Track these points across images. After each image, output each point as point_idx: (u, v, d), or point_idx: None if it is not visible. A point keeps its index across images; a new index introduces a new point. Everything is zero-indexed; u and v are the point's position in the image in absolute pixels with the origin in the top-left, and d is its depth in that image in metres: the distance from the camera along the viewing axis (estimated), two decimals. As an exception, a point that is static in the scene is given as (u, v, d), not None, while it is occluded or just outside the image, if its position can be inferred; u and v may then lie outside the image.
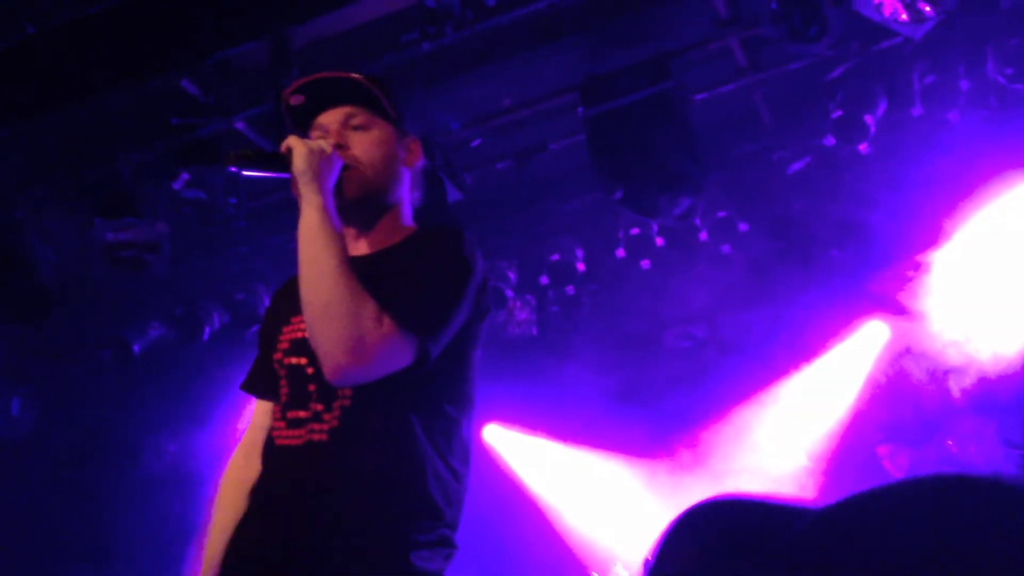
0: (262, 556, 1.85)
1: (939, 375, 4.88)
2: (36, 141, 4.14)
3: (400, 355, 1.79)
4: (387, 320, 1.76)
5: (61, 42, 3.64)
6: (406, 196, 2.10)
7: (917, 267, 4.93)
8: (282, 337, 1.98)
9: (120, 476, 5.25)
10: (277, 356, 1.97)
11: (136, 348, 4.94)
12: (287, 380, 1.94)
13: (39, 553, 4.93)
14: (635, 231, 5.11)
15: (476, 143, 4.62)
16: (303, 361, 1.91)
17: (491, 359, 5.65)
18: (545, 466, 5.68)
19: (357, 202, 1.94)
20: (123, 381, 5.11)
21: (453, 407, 1.94)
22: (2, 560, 4.78)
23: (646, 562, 0.85)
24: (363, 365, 1.75)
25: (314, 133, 1.99)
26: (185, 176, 3.52)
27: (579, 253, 5.22)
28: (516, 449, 5.72)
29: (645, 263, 5.20)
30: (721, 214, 4.97)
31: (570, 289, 5.31)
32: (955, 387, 4.82)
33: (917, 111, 4.31)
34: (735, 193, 4.97)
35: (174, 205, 3.90)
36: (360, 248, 1.99)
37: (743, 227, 5.02)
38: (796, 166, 4.77)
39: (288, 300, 2.02)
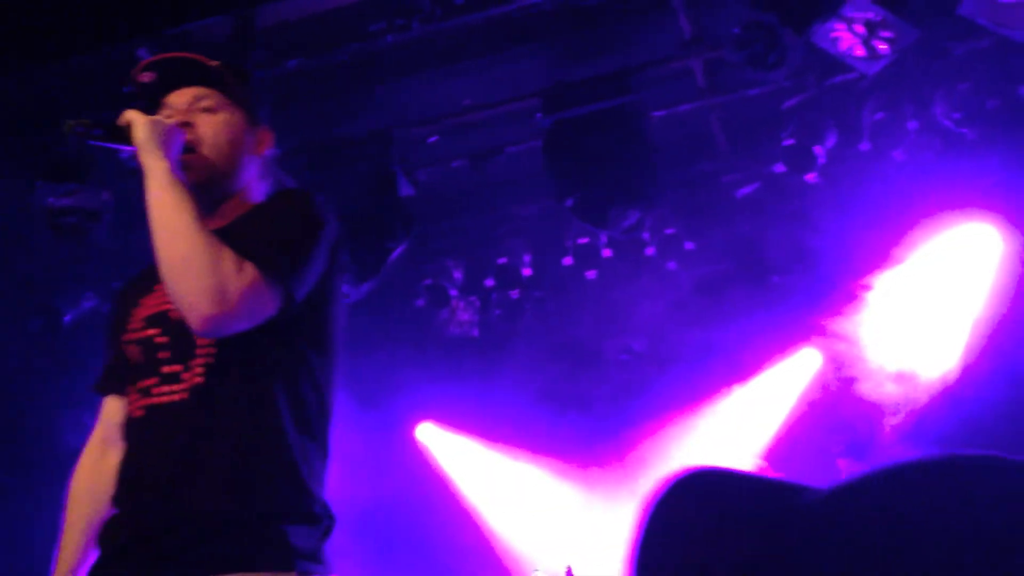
0: (129, 537, 1.83)
1: (871, 404, 5.01)
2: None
3: (265, 300, 1.81)
4: (248, 266, 1.79)
5: (19, 7, 3.54)
6: (253, 182, 2.08)
7: (856, 296, 5.06)
8: (131, 320, 1.98)
9: (39, 448, 5.11)
10: (128, 336, 1.96)
11: (67, 318, 4.82)
12: (140, 353, 1.93)
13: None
14: (584, 240, 5.15)
15: (433, 140, 4.62)
16: (156, 331, 1.91)
17: (430, 357, 5.67)
18: (475, 468, 5.68)
19: (200, 186, 1.92)
20: (52, 351, 4.99)
21: (318, 358, 1.95)
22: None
23: (633, 540, 0.82)
24: (228, 313, 1.76)
25: (162, 112, 1.98)
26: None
27: (526, 258, 5.24)
28: (448, 449, 5.72)
29: (591, 273, 5.24)
30: (669, 231, 5.04)
31: (514, 293, 5.33)
32: (886, 417, 4.96)
33: (865, 146, 4.43)
34: (685, 211, 5.04)
35: (121, 175, 3.82)
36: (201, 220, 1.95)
37: (689, 245, 5.09)
38: (745, 190, 4.87)
39: (136, 288, 2.05)
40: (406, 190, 4.67)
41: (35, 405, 5.18)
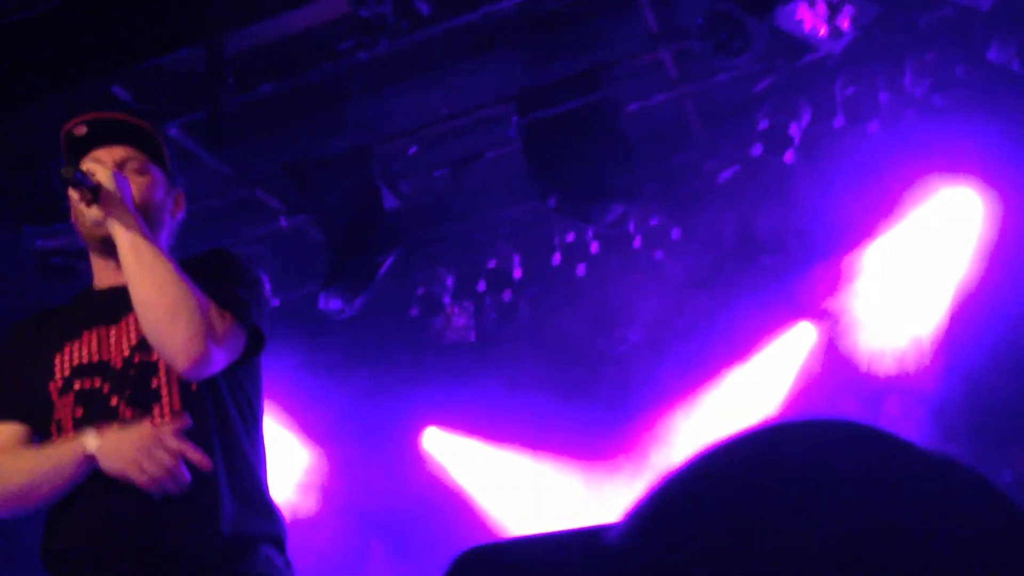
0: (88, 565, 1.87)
1: (864, 376, 5.05)
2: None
3: (239, 341, 1.98)
4: (225, 312, 1.94)
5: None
6: (164, 243, 2.15)
7: (846, 270, 5.10)
8: (57, 365, 1.98)
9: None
10: (55, 384, 1.96)
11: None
12: (81, 403, 1.94)
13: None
14: (571, 238, 5.19)
15: (413, 151, 4.66)
16: (97, 383, 1.94)
17: (429, 365, 5.71)
18: (482, 469, 5.73)
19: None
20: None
21: (254, 393, 2.11)
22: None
23: None
24: (215, 352, 1.89)
25: (86, 165, 1.99)
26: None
27: (516, 259, 5.29)
28: (454, 453, 5.76)
29: (581, 269, 5.28)
30: (654, 222, 5.08)
31: (507, 295, 5.37)
32: (884, 387, 5.00)
33: (839, 122, 4.47)
34: (668, 201, 5.08)
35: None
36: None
37: (676, 234, 5.13)
38: (725, 175, 4.90)
39: (48, 331, 2.05)
40: (391, 202, 4.72)
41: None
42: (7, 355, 2.08)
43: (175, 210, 2.18)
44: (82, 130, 2.05)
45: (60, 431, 1.94)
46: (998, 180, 4.67)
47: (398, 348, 5.43)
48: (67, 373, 1.96)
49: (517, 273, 5.32)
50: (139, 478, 1.80)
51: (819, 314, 5.30)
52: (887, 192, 4.73)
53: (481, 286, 5.34)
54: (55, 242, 3.76)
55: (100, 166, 1.91)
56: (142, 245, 1.88)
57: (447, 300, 5.36)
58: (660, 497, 0.75)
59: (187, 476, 1.82)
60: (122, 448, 1.83)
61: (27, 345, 2.06)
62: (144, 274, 1.86)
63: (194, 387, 1.93)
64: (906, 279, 5.01)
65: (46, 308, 2.18)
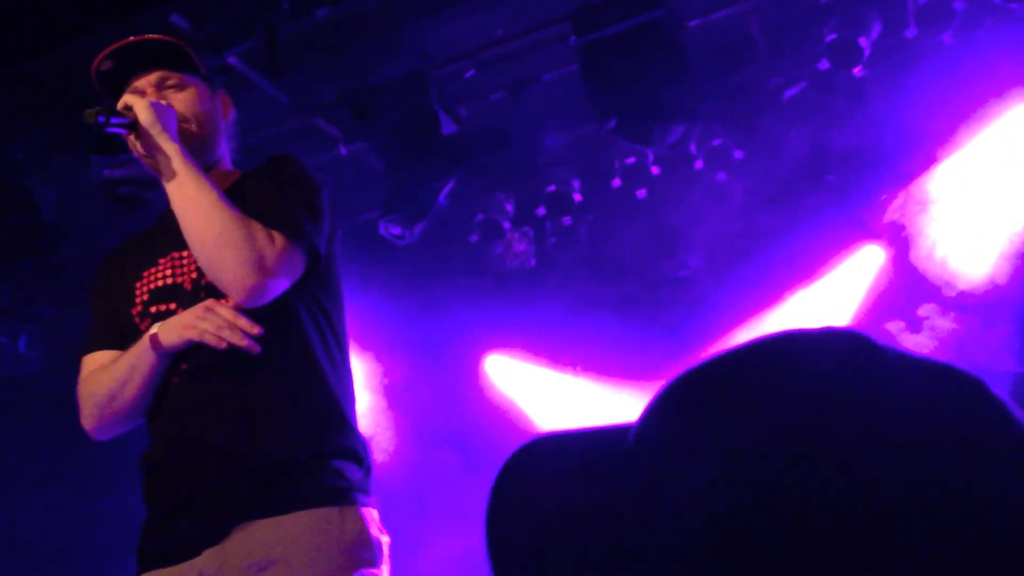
0: (185, 487, 1.91)
1: (934, 299, 4.93)
2: (32, 83, 4.15)
3: (296, 264, 1.94)
4: (276, 234, 1.90)
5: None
6: (226, 148, 2.20)
7: (913, 191, 4.94)
8: (137, 292, 2.04)
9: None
10: (136, 310, 2.02)
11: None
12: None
13: (40, 486, 5.05)
14: (630, 161, 5.11)
15: (469, 75, 4.61)
16: (172, 306, 1.99)
17: (490, 291, 5.73)
18: (546, 394, 5.77)
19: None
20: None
21: (334, 309, 2.09)
22: (4, 491, 4.90)
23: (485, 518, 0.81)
24: (270, 280, 1.88)
25: (122, 101, 2.02)
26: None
27: (575, 184, 5.24)
28: (515, 378, 5.81)
29: (641, 193, 5.22)
30: (716, 142, 4.97)
31: (567, 220, 5.34)
32: (951, 309, 4.88)
33: (911, 32, 4.28)
34: (730, 121, 4.96)
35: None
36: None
37: (739, 155, 5.02)
38: (791, 92, 4.76)
39: (129, 260, 2.11)
40: (449, 127, 4.69)
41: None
42: (100, 287, 2.17)
43: (225, 111, 2.20)
44: (108, 65, 2.07)
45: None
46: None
47: (459, 274, 5.45)
48: (145, 298, 2.02)
49: (577, 197, 5.28)
50: (196, 335, 1.85)
51: (888, 235, 5.16)
52: (962, 107, 4.54)
53: (541, 211, 5.32)
54: (122, 172, 3.83)
55: (136, 99, 1.93)
56: (185, 177, 1.88)
57: (507, 225, 5.35)
58: (668, 399, 0.76)
59: (253, 331, 1.83)
60: (179, 319, 1.90)
61: (115, 274, 2.14)
62: (188, 207, 1.88)
63: (263, 306, 1.92)
64: (981, 198, 4.84)
65: (133, 233, 2.25)
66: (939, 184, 4.86)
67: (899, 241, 5.09)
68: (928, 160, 4.82)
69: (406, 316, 5.17)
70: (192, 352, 1.93)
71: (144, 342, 1.93)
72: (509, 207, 5.33)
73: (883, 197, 5.03)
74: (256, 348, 1.85)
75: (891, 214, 5.06)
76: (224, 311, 1.85)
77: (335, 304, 2.10)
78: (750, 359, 0.74)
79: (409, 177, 4.61)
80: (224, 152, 2.20)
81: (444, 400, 5.54)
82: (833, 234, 5.16)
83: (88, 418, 2.05)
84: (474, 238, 5.35)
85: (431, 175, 4.64)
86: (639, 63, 4.23)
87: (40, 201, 4.41)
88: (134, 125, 1.90)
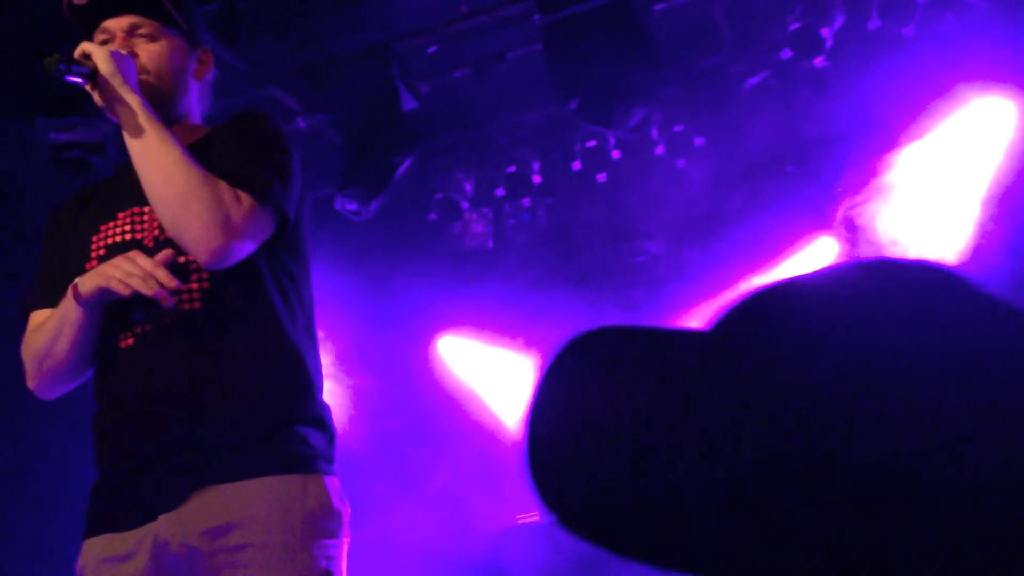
0: (141, 452, 1.84)
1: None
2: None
3: (263, 226, 1.87)
4: (243, 194, 1.83)
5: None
6: (194, 106, 2.11)
7: (872, 182, 4.99)
8: (93, 247, 1.97)
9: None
10: (91, 265, 1.95)
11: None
12: None
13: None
14: (591, 144, 5.09)
15: (432, 50, 4.55)
16: None
17: (447, 271, 5.68)
18: (498, 376, 5.75)
19: None
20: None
21: (300, 273, 2.02)
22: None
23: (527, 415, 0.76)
24: (235, 242, 1.81)
25: (98, 37, 1.96)
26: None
27: (536, 165, 5.20)
28: (470, 360, 5.78)
29: (602, 176, 5.20)
30: (678, 128, 4.97)
31: (526, 202, 5.31)
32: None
33: (874, 24, 4.30)
34: (692, 107, 4.96)
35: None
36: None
37: (699, 141, 5.02)
38: (753, 80, 4.77)
39: (89, 211, 2.03)
40: (409, 103, 4.63)
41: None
42: (53, 239, 2.07)
43: (201, 70, 2.10)
44: (81, 0, 1.98)
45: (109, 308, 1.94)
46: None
47: (415, 253, 5.40)
48: (102, 254, 1.94)
49: (537, 179, 5.25)
50: (103, 282, 1.79)
51: (844, 226, 5.20)
52: (922, 99, 4.58)
53: (500, 192, 5.28)
54: (69, 135, 3.72)
55: (95, 47, 1.84)
56: (147, 131, 1.80)
57: (465, 206, 5.31)
58: (742, 312, 0.73)
59: (170, 284, 1.76)
60: (96, 268, 1.83)
61: (69, 227, 2.05)
62: (150, 163, 1.80)
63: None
64: (938, 191, 4.89)
65: (88, 185, 2.16)
66: (897, 175, 4.91)
67: (854, 232, 5.13)
68: (887, 152, 4.86)
69: (359, 293, 5.11)
70: (151, 313, 1.87)
71: (69, 294, 1.86)
72: (468, 187, 5.28)
73: (841, 188, 5.07)
74: (169, 302, 1.77)
75: (848, 205, 5.10)
76: (143, 260, 1.78)
77: (302, 270, 2.04)
78: (845, 279, 0.71)
79: (367, 152, 4.54)
80: (191, 110, 2.10)
81: (395, 380, 5.49)
82: (791, 223, 5.19)
83: (29, 377, 1.98)
84: (432, 217, 5.30)
85: (390, 151, 4.57)
86: (603, 45, 4.20)
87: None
88: (93, 75, 1.82)
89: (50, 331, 1.90)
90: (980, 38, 4.20)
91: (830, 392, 0.64)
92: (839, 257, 5.25)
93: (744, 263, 5.33)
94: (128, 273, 1.76)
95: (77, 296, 1.84)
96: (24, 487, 4.69)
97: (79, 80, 1.84)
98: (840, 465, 0.62)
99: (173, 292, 1.79)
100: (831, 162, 4.90)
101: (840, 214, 5.12)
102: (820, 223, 5.27)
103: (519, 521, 5.22)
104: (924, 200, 4.90)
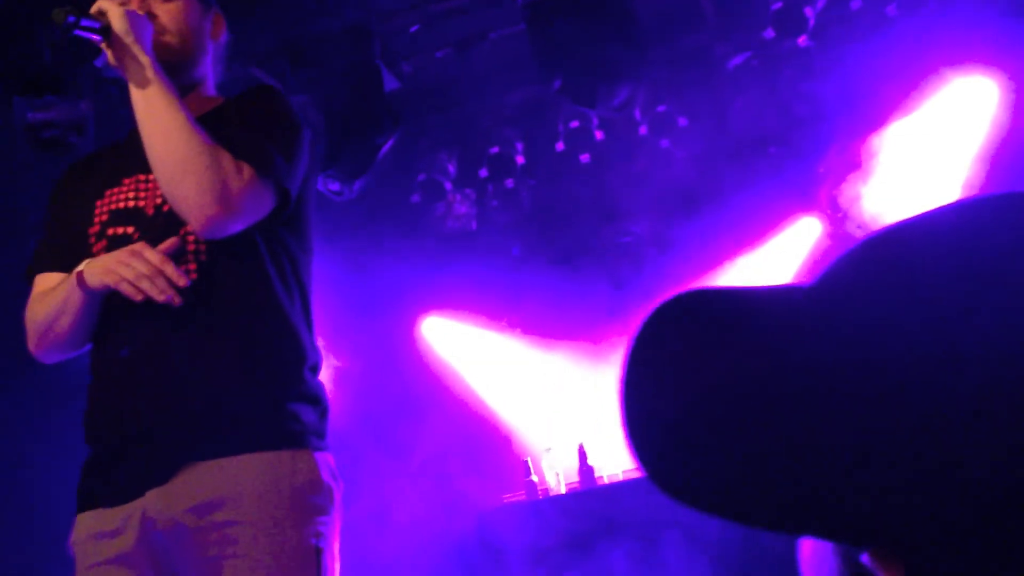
0: (129, 426, 1.83)
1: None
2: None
3: (263, 200, 1.84)
4: (244, 166, 1.80)
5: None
6: (210, 70, 2.08)
7: (856, 162, 5.00)
8: (97, 211, 1.95)
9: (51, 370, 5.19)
10: (93, 230, 1.93)
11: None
12: (112, 250, 1.89)
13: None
14: (575, 124, 5.08)
15: (414, 29, 4.51)
16: (129, 230, 1.90)
17: (430, 253, 5.68)
18: (483, 356, 5.76)
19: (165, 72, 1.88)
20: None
21: (301, 252, 2.00)
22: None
23: (622, 372, 0.73)
24: (232, 213, 1.78)
25: (96, 5, 1.89)
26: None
27: (519, 146, 5.19)
28: (455, 340, 5.78)
29: (585, 157, 5.19)
30: (661, 108, 4.96)
31: (510, 183, 5.29)
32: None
33: (856, 3, 4.31)
34: (675, 88, 4.95)
35: (98, 84, 3.77)
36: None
37: (683, 122, 5.02)
38: (736, 60, 4.76)
39: (92, 175, 2.01)
40: (391, 83, 4.59)
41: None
42: (59, 201, 2.06)
43: (215, 31, 2.08)
44: None
45: None
46: (1017, 69, 4.53)
47: (398, 234, 5.38)
48: (104, 219, 1.93)
49: (520, 160, 5.23)
50: (112, 282, 1.77)
51: (826, 206, 5.22)
52: (904, 79, 4.60)
53: (483, 173, 5.26)
54: (46, 114, 3.67)
55: (112, 4, 1.80)
56: (154, 93, 1.77)
57: (449, 186, 5.29)
58: (853, 260, 0.71)
59: (180, 282, 1.75)
60: (103, 261, 1.81)
61: (76, 189, 2.03)
62: (153, 125, 1.77)
63: (223, 241, 1.83)
64: (920, 171, 4.92)
65: (100, 148, 2.13)
66: (881, 155, 4.92)
67: (837, 212, 5.15)
68: (870, 131, 4.88)
69: (343, 274, 5.08)
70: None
71: (73, 278, 1.84)
72: (451, 168, 5.26)
73: (824, 168, 5.08)
74: (178, 301, 1.76)
75: (830, 185, 5.12)
76: (152, 255, 1.76)
77: (303, 249, 2.01)
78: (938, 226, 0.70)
79: (350, 133, 4.51)
80: (208, 73, 2.07)
81: (380, 360, 5.48)
82: (774, 203, 5.21)
83: (31, 343, 1.95)
84: (415, 198, 5.28)
85: (372, 132, 4.54)
86: (586, 24, 4.18)
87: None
88: (106, 31, 1.79)
89: (52, 308, 1.88)
90: (962, 17, 4.21)
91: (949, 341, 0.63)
92: (822, 237, 5.28)
93: (728, 243, 5.35)
94: (139, 275, 1.74)
95: (82, 284, 1.82)
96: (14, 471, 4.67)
97: (89, 35, 1.80)
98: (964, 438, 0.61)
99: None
100: (815, 142, 4.91)
101: (824, 194, 5.14)
102: (804, 203, 5.29)
103: (506, 500, 5.24)
104: (908, 179, 4.93)
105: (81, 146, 3.74)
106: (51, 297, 1.90)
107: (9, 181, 4.43)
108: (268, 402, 1.84)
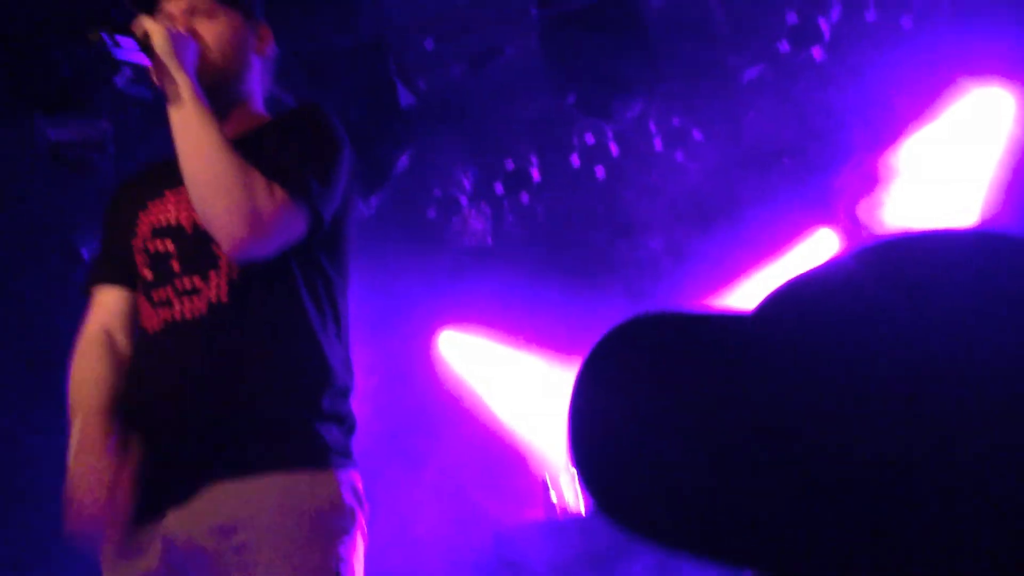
0: (154, 442, 1.82)
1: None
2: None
3: (295, 224, 1.82)
4: (277, 188, 1.78)
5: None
6: (258, 85, 2.09)
7: (871, 175, 4.98)
8: (140, 223, 1.96)
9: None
10: (136, 242, 1.95)
11: (85, 253, 4.87)
12: (149, 264, 1.92)
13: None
14: (590, 138, 5.09)
15: (429, 46, 4.54)
16: (168, 245, 1.91)
17: (446, 269, 5.69)
18: (500, 372, 5.75)
19: (208, 90, 1.89)
20: (70, 288, 5.05)
21: (336, 275, 1.97)
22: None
23: (571, 397, 0.73)
24: (262, 236, 1.77)
25: (139, 25, 1.92)
26: (128, 73, 3.41)
27: (534, 160, 5.20)
28: (471, 356, 5.77)
29: (600, 171, 5.20)
30: (675, 122, 4.96)
31: (525, 198, 5.30)
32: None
33: (871, 16, 4.30)
34: (689, 101, 4.95)
35: (118, 103, 3.81)
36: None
37: (697, 135, 5.02)
38: (751, 73, 4.76)
39: (142, 187, 2.02)
40: (407, 99, 4.62)
41: (61, 342, 5.26)
42: (111, 211, 2.08)
43: (260, 46, 2.07)
44: None
45: (141, 291, 1.92)
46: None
47: (414, 249, 5.39)
48: (146, 232, 1.94)
49: (535, 175, 5.24)
50: None
51: (843, 219, 5.20)
52: (920, 91, 4.58)
53: (499, 188, 5.27)
54: (67, 133, 3.71)
55: (153, 24, 1.82)
56: (189, 113, 1.78)
57: (464, 202, 5.30)
58: (801, 288, 0.71)
59: None
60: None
61: (126, 200, 2.05)
62: (187, 146, 1.78)
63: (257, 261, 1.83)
64: (937, 184, 4.89)
65: (153, 161, 2.14)
66: (896, 168, 4.90)
67: (854, 225, 5.13)
68: (885, 144, 4.86)
69: (358, 289, 5.09)
70: (173, 302, 1.86)
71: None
72: (467, 183, 5.28)
73: (841, 181, 5.06)
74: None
75: (847, 198, 5.10)
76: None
77: (340, 273, 1.97)
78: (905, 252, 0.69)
79: (365, 149, 4.53)
80: (255, 88, 2.07)
81: (396, 377, 5.48)
82: (790, 217, 5.19)
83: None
84: (431, 213, 5.29)
85: (388, 147, 4.57)
86: (600, 38, 4.20)
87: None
88: (146, 49, 1.80)
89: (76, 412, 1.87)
90: (978, 28, 4.20)
91: (883, 381, 0.62)
92: (839, 250, 5.25)
93: (744, 256, 5.33)
94: None
95: None
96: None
97: (124, 55, 1.82)
98: (898, 466, 0.59)
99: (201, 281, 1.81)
100: (831, 154, 4.90)
101: (842, 207, 5.11)
102: (820, 216, 5.26)
103: (526, 516, 5.21)
104: (926, 193, 4.90)
105: (102, 165, 3.78)
106: (74, 426, 1.87)
107: (30, 198, 4.47)
108: (290, 422, 1.83)
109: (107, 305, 1.99)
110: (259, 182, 1.76)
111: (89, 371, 1.91)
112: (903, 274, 0.66)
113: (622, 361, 0.74)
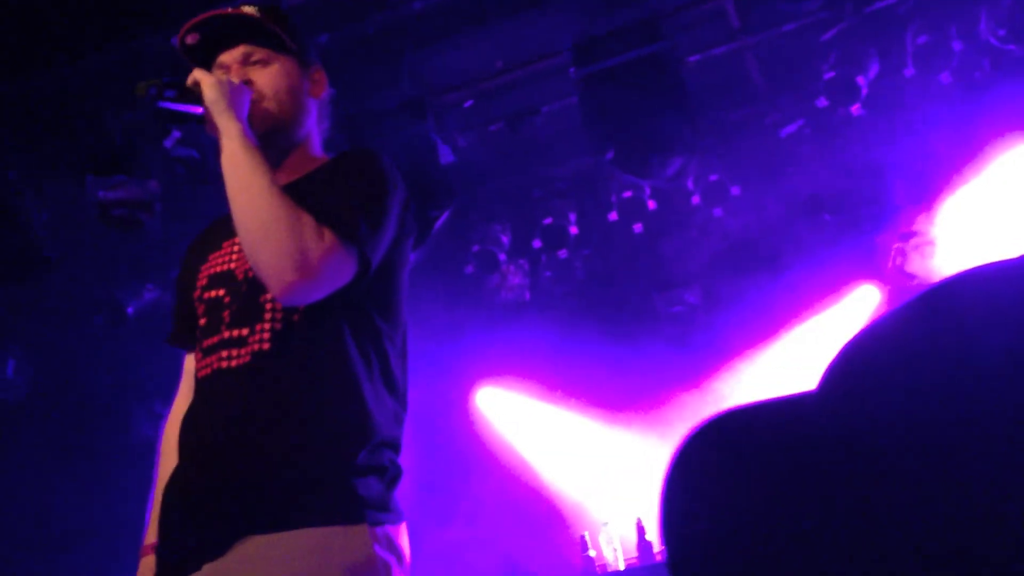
0: (194, 492, 1.83)
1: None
2: (28, 102, 4.13)
3: (343, 268, 1.80)
4: (326, 232, 1.77)
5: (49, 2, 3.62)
6: (314, 128, 2.09)
7: (909, 230, 4.94)
8: (200, 275, 1.98)
9: (112, 440, 5.27)
10: (196, 294, 1.97)
11: (130, 310, 4.95)
12: (204, 312, 1.94)
13: (31, 515, 4.96)
14: (627, 194, 5.11)
15: (468, 104, 4.62)
16: (220, 293, 1.92)
17: (484, 324, 5.70)
18: (538, 428, 5.72)
19: (265, 136, 1.91)
20: (117, 344, 5.13)
21: (386, 323, 1.94)
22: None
23: (661, 494, 0.77)
24: (310, 280, 1.75)
25: (215, 73, 1.96)
26: (176, 134, 3.50)
27: (572, 216, 5.23)
28: (509, 411, 5.76)
29: (638, 227, 5.21)
30: (713, 177, 4.98)
31: (563, 253, 5.32)
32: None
33: (910, 72, 4.31)
34: (727, 157, 4.97)
35: (166, 164, 3.90)
36: (276, 181, 1.94)
37: (735, 191, 5.02)
38: (789, 129, 4.77)
39: (204, 243, 2.05)
40: (447, 157, 4.68)
41: (105, 398, 5.33)
42: (183, 267, 2.11)
43: (315, 88, 2.08)
44: (194, 38, 1.98)
45: (198, 338, 1.95)
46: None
47: (453, 305, 5.42)
48: (204, 283, 1.95)
49: (573, 230, 5.27)
50: None
51: (884, 274, 5.15)
52: (960, 147, 4.56)
53: (537, 243, 5.30)
54: (116, 194, 3.80)
55: (203, 75, 1.86)
56: (239, 158, 1.80)
57: (503, 258, 5.33)
58: (852, 358, 0.73)
59: None
60: None
61: (193, 254, 2.08)
62: (238, 190, 1.78)
63: (301, 310, 1.82)
64: (979, 239, 4.84)
65: (218, 217, 2.14)
66: (937, 224, 4.86)
67: (895, 280, 5.08)
68: (926, 200, 4.83)
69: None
70: (221, 351, 1.87)
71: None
72: (505, 239, 5.31)
73: (880, 236, 5.03)
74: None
75: (888, 253, 5.06)
76: None
77: (389, 321, 1.94)
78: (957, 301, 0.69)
79: (406, 205, 4.59)
80: (312, 131, 2.08)
81: (435, 431, 5.47)
82: (829, 272, 5.15)
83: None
84: (469, 269, 5.32)
85: (428, 204, 4.62)
86: (638, 96, 4.24)
87: (33, 222, 4.37)
88: (197, 100, 1.84)
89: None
90: (1018, 82, 4.18)
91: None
92: (881, 304, 5.19)
93: (784, 311, 5.29)
94: None
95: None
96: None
97: (171, 105, 1.85)
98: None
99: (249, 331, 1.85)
100: (868, 211, 4.88)
101: (883, 262, 5.07)
102: (860, 271, 5.22)
103: (564, 573, 5.14)
104: (964, 249, 4.84)
105: (148, 223, 3.86)
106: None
107: (79, 255, 4.57)
108: (325, 476, 1.81)
109: (191, 370, 2.04)
110: (308, 224, 1.75)
111: (170, 456, 1.97)
112: (952, 318, 0.66)
113: (709, 461, 0.78)
